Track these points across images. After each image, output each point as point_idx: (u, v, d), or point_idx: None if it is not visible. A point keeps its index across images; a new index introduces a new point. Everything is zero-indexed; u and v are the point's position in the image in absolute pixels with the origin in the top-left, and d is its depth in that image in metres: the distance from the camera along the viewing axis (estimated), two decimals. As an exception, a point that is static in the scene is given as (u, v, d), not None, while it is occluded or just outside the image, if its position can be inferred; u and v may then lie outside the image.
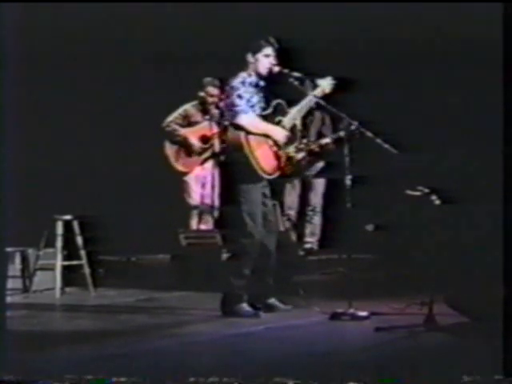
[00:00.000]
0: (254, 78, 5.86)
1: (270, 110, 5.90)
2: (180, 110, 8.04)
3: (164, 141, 7.98)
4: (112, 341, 4.99)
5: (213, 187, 7.98)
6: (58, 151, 7.99)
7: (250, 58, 5.87)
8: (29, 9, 6.44)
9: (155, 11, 7.64)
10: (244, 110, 5.77)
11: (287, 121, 5.94)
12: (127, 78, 7.97)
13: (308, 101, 5.96)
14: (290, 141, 5.95)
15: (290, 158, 5.98)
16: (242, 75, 5.85)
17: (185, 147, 7.99)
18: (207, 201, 8.02)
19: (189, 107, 8.06)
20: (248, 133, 5.75)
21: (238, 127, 5.75)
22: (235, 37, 7.03)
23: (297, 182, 7.91)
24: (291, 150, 5.96)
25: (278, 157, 5.90)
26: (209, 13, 7.62)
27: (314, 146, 6.96)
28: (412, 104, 7.44)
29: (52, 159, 7.93)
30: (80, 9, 7.57)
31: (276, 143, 5.88)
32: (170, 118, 7.99)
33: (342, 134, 5.87)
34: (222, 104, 5.95)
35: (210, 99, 7.95)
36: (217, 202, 8.00)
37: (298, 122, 6.02)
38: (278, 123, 5.91)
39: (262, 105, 5.89)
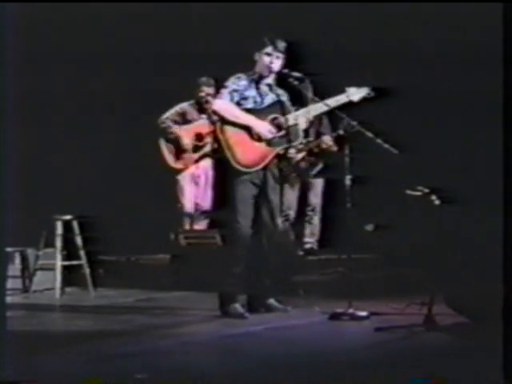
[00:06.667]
0: (251, 75, 5.85)
1: (263, 106, 5.84)
2: (176, 108, 8.04)
3: (159, 139, 7.98)
4: (112, 341, 4.99)
5: (206, 186, 8.00)
6: (58, 151, 7.99)
7: (256, 56, 5.88)
8: (29, 9, 6.45)
9: (155, 10, 7.66)
10: (219, 96, 5.78)
11: (290, 119, 5.82)
12: (128, 77, 7.97)
13: (319, 107, 5.82)
14: (288, 140, 5.87)
15: (284, 157, 5.90)
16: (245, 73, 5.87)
17: (179, 145, 7.98)
18: (200, 200, 8.03)
19: (185, 105, 8.07)
20: (224, 121, 5.70)
21: (215, 114, 5.74)
22: (235, 37, 7.05)
23: (296, 182, 7.89)
24: (292, 150, 5.88)
25: (260, 150, 5.77)
26: (209, 13, 7.64)
27: (313, 146, 6.95)
28: (412, 104, 7.44)
29: (52, 159, 7.93)
30: (79, 9, 7.58)
31: (259, 136, 5.77)
32: (166, 115, 7.99)
33: (340, 132, 5.84)
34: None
35: (206, 98, 7.98)
36: (210, 201, 8.01)
37: (303, 123, 5.90)
38: (273, 120, 5.82)
39: (257, 100, 5.85)
